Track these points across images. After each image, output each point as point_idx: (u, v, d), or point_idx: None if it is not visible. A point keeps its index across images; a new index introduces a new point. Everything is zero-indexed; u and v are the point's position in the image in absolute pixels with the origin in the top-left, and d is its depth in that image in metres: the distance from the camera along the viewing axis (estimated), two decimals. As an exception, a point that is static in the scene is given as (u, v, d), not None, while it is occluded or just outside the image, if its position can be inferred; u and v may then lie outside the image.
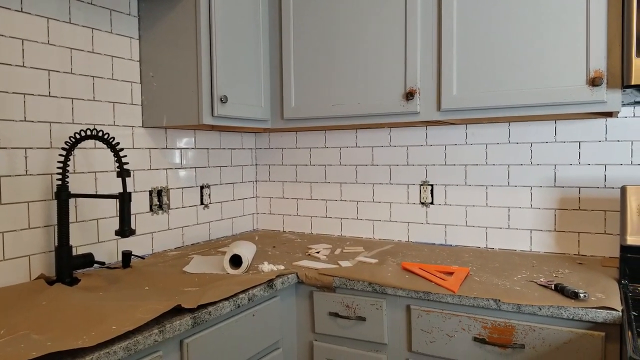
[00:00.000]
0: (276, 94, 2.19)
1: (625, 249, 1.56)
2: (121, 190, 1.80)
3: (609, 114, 1.75)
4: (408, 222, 2.28)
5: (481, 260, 1.88)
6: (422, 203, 2.24)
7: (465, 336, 1.48)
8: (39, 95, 1.65)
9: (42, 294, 1.43)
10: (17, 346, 1.05)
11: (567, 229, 1.95)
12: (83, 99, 1.79)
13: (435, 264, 1.81)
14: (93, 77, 1.83)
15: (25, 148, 1.61)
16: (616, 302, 1.33)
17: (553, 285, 1.48)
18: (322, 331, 1.73)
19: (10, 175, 1.57)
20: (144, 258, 1.96)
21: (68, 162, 1.60)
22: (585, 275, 1.63)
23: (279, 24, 2.17)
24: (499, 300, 1.41)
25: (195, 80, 1.86)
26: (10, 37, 1.56)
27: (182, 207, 2.23)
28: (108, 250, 1.89)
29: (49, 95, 1.68)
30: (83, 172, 1.80)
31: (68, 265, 1.57)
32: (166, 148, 2.14)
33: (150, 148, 2.06)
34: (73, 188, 1.76)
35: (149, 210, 2.06)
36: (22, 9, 1.59)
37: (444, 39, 1.79)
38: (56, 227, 1.68)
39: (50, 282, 1.57)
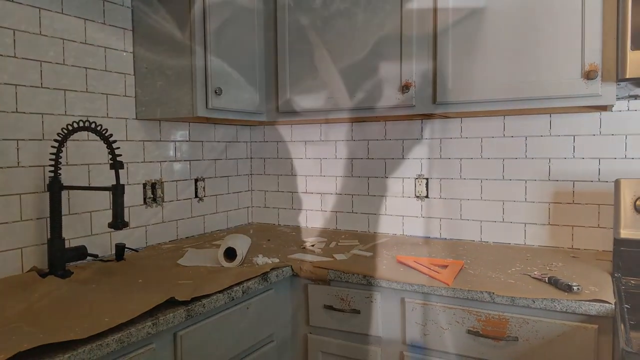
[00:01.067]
0: (271, 87, 2.18)
1: (618, 242, 1.57)
2: (114, 183, 1.79)
3: (603, 108, 1.75)
4: (403, 216, 2.28)
5: (475, 253, 1.89)
6: (417, 196, 2.24)
7: (459, 329, 1.49)
8: (31, 86, 1.63)
9: (35, 286, 1.42)
10: (9, 338, 1.04)
11: (561, 222, 1.96)
12: (76, 91, 1.78)
13: (429, 257, 1.81)
14: (86, 68, 1.81)
15: (17, 140, 1.60)
16: (609, 295, 1.34)
17: (547, 278, 1.49)
18: (317, 324, 1.74)
19: (1, 167, 1.56)
20: (137, 251, 1.95)
21: (60, 154, 1.58)
22: (578, 269, 1.63)
23: (274, 16, 2.15)
24: (493, 293, 1.41)
25: (189, 72, 1.85)
26: (0, 27, 1.54)
27: (177, 200, 2.22)
28: (101, 243, 1.88)
29: (41, 87, 1.66)
30: (76, 164, 1.79)
31: (61, 258, 1.56)
32: (160, 140, 2.13)
33: (144, 140, 2.05)
34: (66, 180, 1.75)
35: (142, 203, 2.05)
36: (13, -2, 1.58)
37: (440, 32, 1.78)
38: (49, 219, 1.66)
39: (43, 274, 1.55)
